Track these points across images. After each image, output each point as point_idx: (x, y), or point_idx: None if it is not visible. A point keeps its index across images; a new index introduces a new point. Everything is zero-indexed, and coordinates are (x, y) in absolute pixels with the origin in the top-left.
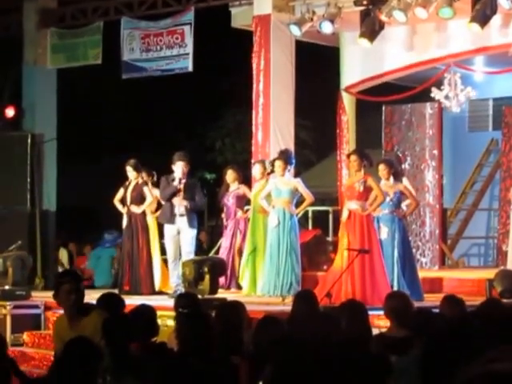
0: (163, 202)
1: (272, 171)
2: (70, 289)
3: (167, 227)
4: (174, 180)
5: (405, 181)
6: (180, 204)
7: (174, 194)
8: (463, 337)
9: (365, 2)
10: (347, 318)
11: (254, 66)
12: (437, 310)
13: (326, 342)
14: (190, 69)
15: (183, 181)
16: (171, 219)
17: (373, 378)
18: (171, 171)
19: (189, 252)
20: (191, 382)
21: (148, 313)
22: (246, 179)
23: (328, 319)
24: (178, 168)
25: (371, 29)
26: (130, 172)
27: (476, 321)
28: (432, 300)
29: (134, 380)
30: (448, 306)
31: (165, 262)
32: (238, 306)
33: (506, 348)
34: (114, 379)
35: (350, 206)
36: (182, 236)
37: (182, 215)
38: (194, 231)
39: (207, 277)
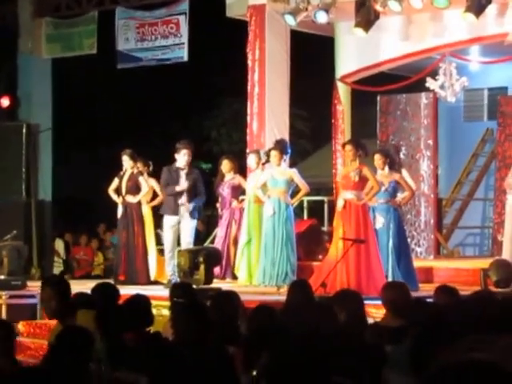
0: (159, 192)
1: (267, 161)
2: (51, 295)
3: (168, 217)
4: (176, 170)
5: (404, 172)
6: (184, 207)
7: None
8: (450, 326)
9: None
10: (343, 308)
11: (249, 55)
12: (431, 300)
13: (321, 332)
14: (186, 58)
15: (186, 184)
16: (176, 210)
17: (369, 368)
18: (167, 161)
19: (188, 242)
20: (187, 372)
21: (143, 302)
22: (241, 169)
23: (323, 309)
24: (183, 157)
25: (366, 18)
26: (126, 161)
27: (464, 311)
28: (427, 290)
29: (129, 370)
30: (442, 295)
31: (160, 251)
32: (232, 296)
33: (485, 337)
34: (108, 369)
35: (346, 195)
36: (182, 226)
37: (183, 205)
38: (195, 222)
39: (202, 266)
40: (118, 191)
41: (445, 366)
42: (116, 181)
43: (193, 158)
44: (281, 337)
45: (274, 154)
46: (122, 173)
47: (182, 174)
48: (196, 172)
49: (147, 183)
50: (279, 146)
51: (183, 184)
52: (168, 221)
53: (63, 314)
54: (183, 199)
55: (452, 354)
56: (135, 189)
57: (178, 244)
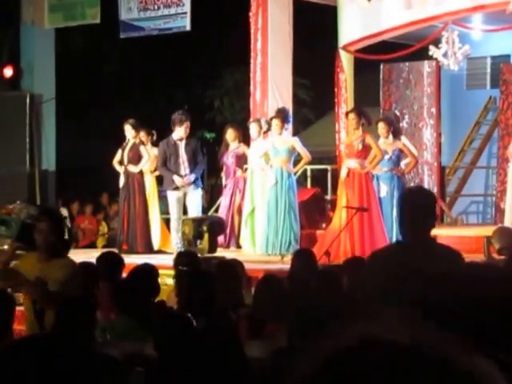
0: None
1: (268, 130)
2: (47, 228)
3: (171, 192)
4: (175, 143)
5: (404, 139)
6: (185, 180)
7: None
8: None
9: None
10: (350, 275)
11: (252, 24)
12: None
13: (325, 300)
14: (188, 28)
15: (187, 178)
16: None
17: None
18: (171, 131)
19: (197, 212)
20: (192, 341)
21: (150, 272)
22: (245, 138)
23: (327, 277)
24: (184, 130)
25: None
26: (129, 131)
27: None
28: None
29: (134, 340)
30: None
31: (164, 221)
32: (236, 265)
33: (380, 311)
34: (113, 339)
35: (349, 164)
36: (188, 199)
37: (185, 176)
38: (200, 191)
39: (206, 235)
40: (121, 162)
41: (335, 349)
42: (119, 152)
43: (196, 128)
44: (290, 306)
45: (276, 122)
46: (124, 143)
47: (181, 145)
48: (194, 141)
49: (149, 152)
50: (281, 114)
51: (183, 154)
52: (172, 195)
53: (53, 251)
54: (186, 170)
55: (341, 330)
56: (137, 159)
57: (185, 213)
